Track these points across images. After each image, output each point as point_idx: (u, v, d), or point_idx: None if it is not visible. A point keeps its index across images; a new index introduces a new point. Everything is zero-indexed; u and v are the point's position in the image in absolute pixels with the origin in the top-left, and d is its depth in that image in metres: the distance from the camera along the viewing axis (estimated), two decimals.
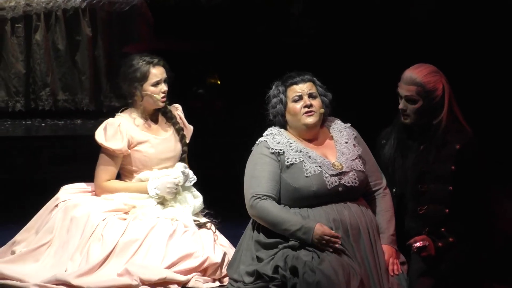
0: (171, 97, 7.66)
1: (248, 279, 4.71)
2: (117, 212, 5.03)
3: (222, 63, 8.26)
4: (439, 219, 4.76)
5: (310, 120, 4.91)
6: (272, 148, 4.87)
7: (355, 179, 4.81)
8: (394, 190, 4.92)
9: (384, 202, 4.92)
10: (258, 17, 8.13)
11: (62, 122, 8.37)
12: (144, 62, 5.12)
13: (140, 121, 5.21)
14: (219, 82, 8.42)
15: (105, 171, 5.11)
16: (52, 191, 5.32)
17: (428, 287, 4.73)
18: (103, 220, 4.92)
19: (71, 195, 5.13)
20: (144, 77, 5.11)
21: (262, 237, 4.79)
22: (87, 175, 5.33)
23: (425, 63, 4.89)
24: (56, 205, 5.09)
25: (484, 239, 4.77)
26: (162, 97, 5.14)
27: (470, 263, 4.72)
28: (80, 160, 7.41)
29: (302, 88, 4.96)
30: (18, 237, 5.14)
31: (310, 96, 4.94)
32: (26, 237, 5.11)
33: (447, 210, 4.73)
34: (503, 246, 4.95)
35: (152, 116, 5.27)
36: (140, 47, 8.33)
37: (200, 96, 8.31)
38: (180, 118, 5.42)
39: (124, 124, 5.16)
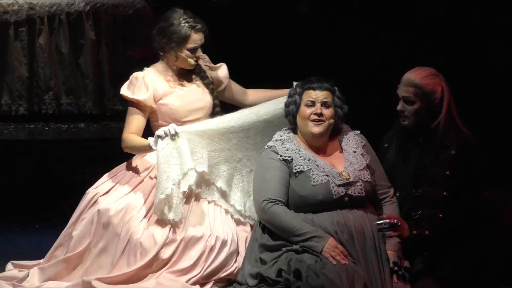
0: None
1: (252, 282, 4.73)
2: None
3: (228, 64, 8.18)
4: (434, 223, 4.77)
5: (317, 129, 4.91)
6: (281, 155, 4.90)
7: (361, 189, 4.83)
8: (397, 194, 4.95)
9: (391, 209, 4.92)
10: (263, 18, 8.12)
11: (66, 125, 8.39)
12: (186, 25, 5.00)
13: (166, 74, 5.12)
14: None
15: (130, 124, 5.03)
16: (57, 194, 5.35)
17: (428, 283, 4.75)
18: (140, 225, 4.89)
19: (106, 199, 5.01)
20: (183, 40, 5.00)
21: (266, 239, 4.81)
22: (92, 178, 5.29)
23: (424, 67, 4.93)
24: (93, 205, 5.01)
25: (483, 243, 4.80)
26: (195, 61, 5.05)
27: (472, 266, 4.74)
28: (85, 163, 7.43)
29: (318, 95, 4.94)
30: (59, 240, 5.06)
31: (324, 104, 4.92)
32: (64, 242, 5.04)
33: (441, 215, 4.75)
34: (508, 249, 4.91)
35: (180, 70, 5.15)
36: (144, 51, 8.06)
37: None
38: (209, 67, 5.30)
39: (148, 76, 5.09)
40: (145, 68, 5.17)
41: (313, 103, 4.91)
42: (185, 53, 5.02)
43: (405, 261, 4.79)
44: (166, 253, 4.83)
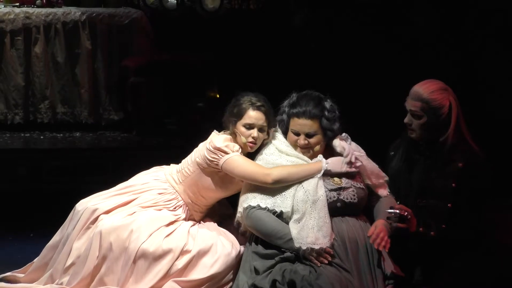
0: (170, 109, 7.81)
1: None
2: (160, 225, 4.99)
3: (221, 75, 8.26)
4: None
5: (306, 154, 4.96)
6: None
7: (354, 195, 4.83)
8: (398, 203, 4.90)
9: (388, 198, 4.95)
10: (258, 29, 8.16)
11: (61, 135, 8.34)
12: (246, 101, 5.07)
13: None
14: (218, 96, 8.43)
15: (258, 164, 4.99)
16: (52, 203, 5.34)
17: None
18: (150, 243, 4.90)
19: (107, 217, 5.01)
20: (239, 114, 5.05)
21: (260, 248, 4.81)
22: (87, 187, 5.34)
23: (435, 80, 4.90)
24: (97, 222, 5.01)
25: (482, 255, 4.79)
26: (250, 142, 5.03)
27: (471, 279, 4.73)
28: (80, 173, 7.45)
29: (303, 124, 4.92)
30: (69, 260, 5.03)
31: (307, 135, 4.92)
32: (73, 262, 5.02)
33: (443, 226, 4.74)
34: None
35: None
36: (140, 61, 8.42)
37: (200, 109, 8.34)
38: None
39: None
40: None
41: (297, 134, 4.94)
42: (240, 129, 5.05)
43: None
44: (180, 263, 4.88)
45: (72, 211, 5.12)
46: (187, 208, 5.15)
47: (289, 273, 4.57)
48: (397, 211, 4.65)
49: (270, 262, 4.72)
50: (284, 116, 5.01)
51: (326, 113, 4.94)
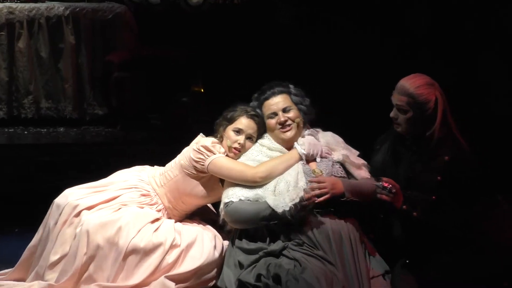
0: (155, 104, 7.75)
1: (231, 287, 4.75)
2: (148, 221, 5.01)
3: (206, 70, 8.26)
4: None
5: (287, 134, 5.03)
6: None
7: None
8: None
9: (367, 179, 4.97)
10: (242, 24, 8.15)
11: (45, 130, 8.31)
12: (242, 109, 5.15)
13: None
14: (202, 90, 8.43)
15: (245, 164, 5.04)
16: (36, 198, 5.32)
17: (410, 286, 4.77)
18: (138, 237, 4.91)
19: (92, 214, 5.02)
20: (232, 119, 5.13)
21: (244, 243, 4.84)
22: (71, 182, 5.32)
23: (421, 74, 4.90)
24: (79, 218, 4.99)
25: (470, 250, 4.82)
26: (235, 148, 5.09)
27: (457, 272, 4.77)
28: (64, 168, 7.41)
29: (275, 102, 5.05)
30: (52, 257, 5.02)
31: (284, 110, 5.03)
32: (58, 260, 5.01)
33: (434, 197, 4.78)
34: (502, 255, 4.96)
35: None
36: (124, 56, 8.40)
37: (184, 104, 8.32)
38: None
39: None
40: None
41: (274, 114, 5.03)
42: (228, 133, 5.11)
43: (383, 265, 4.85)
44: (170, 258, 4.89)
45: (51, 207, 5.12)
46: (166, 212, 5.17)
47: (274, 267, 4.58)
48: (384, 184, 4.73)
49: (255, 257, 4.74)
50: (258, 111, 5.11)
51: (292, 90, 5.09)
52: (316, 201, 4.69)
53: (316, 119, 5.26)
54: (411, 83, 4.83)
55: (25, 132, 8.25)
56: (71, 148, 7.86)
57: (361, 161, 5.10)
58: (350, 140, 5.29)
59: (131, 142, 7.98)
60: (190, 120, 7.91)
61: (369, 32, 7.59)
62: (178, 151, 5.27)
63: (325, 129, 5.32)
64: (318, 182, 4.77)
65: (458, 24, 7.30)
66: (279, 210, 4.68)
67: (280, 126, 5.05)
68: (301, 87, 5.25)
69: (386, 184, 4.73)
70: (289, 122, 5.04)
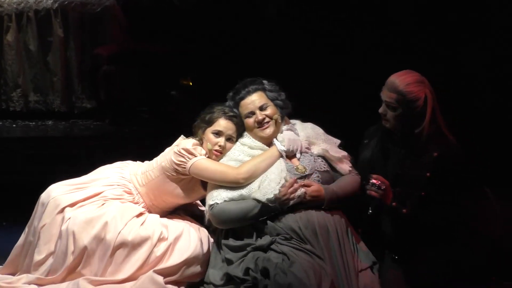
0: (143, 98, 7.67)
1: (218, 282, 4.75)
2: (133, 215, 5.02)
3: (195, 64, 8.21)
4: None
5: (266, 132, 5.03)
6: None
7: (318, 180, 4.89)
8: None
9: (350, 176, 5.00)
10: (231, 18, 8.12)
11: (33, 123, 8.29)
12: (219, 110, 5.12)
13: None
14: (191, 84, 8.39)
15: (226, 165, 5.04)
16: (24, 192, 5.32)
17: (397, 279, 4.79)
18: (125, 230, 4.92)
19: (77, 209, 5.02)
20: (210, 122, 5.10)
21: (231, 241, 4.84)
22: (59, 176, 5.31)
23: (412, 71, 4.88)
24: (63, 215, 5.00)
25: (458, 246, 4.83)
26: (216, 150, 5.08)
27: (444, 267, 4.77)
28: (52, 161, 7.44)
29: (251, 101, 5.03)
30: (36, 256, 5.01)
31: (261, 109, 5.02)
32: (44, 259, 5.01)
33: (423, 193, 4.78)
34: (490, 249, 5.01)
35: None
36: (112, 49, 8.37)
37: (173, 97, 8.30)
38: None
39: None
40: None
41: (251, 113, 5.01)
42: (208, 136, 5.09)
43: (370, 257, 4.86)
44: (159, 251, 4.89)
45: (36, 205, 5.12)
46: (148, 210, 5.17)
47: (262, 261, 4.59)
48: (373, 181, 4.75)
49: (242, 253, 4.75)
50: (235, 110, 5.10)
51: (266, 85, 5.07)
52: (291, 197, 4.74)
53: (298, 111, 5.26)
54: (401, 80, 4.81)
55: (14, 125, 8.22)
56: (60, 141, 7.83)
57: (341, 153, 5.09)
58: (338, 132, 5.29)
59: (120, 136, 7.93)
60: (179, 114, 7.87)
61: (357, 25, 7.54)
62: (165, 145, 5.26)
63: (306, 120, 5.32)
64: (307, 185, 4.80)
65: (442, 16, 7.25)
66: (270, 196, 4.70)
67: (258, 125, 5.04)
68: (289, 80, 5.27)
69: (375, 181, 4.75)
70: (266, 119, 5.03)
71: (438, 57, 7.08)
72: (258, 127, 5.04)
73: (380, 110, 4.91)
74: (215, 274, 4.80)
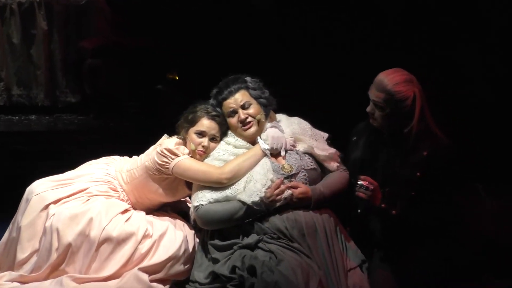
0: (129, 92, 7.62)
1: (204, 280, 4.72)
2: (119, 211, 5.00)
3: (181, 57, 8.19)
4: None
5: (251, 131, 4.99)
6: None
7: (306, 179, 4.85)
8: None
9: (337, 173, 4.96)
10: (218, 11, 8.10)
11: (16, 117, 8.27)
12: (202, 109, 5.07)
13: None
14: (177, 78, 8.37)
15: (210, 165, 5.00)
16: (7, 186, 5.37)
17: (386, 278, 4.77)
18: (110, 226, 4.89)
19: (61, 205, 4.98)
20: (193, 121, 5.06)
21: (217, 241, 4.80)
22: (42, 171, 5.28)
23: (400, 70, 4.83)
24: (47, 212, 4.96)
25: (448, 244, 4.80)
26: (200, 150, 5.04)
27: (434, 266, 4.74)
28: (36, 156, 7.37)
29: (234, 100, 4.99)
30: (19, 255, 4.97)
31: (244, 107, 4.98)
32: (27, 257, 4.97)
33: (413, 193, 4.76)
34: (482, 246, 5.04)
35: None
36: (97, 42, 8.35)
37: (159, 91, 8.26)
38: None
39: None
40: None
41: (234, 112, 4.97)
42: (191, 136, 5.05)
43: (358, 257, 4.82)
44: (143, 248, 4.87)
45: (21, 202, 5.07)
46: (133, 207, 5.14)
47: (249, 259, 4.56)
48: (360, 182, 4.72)
49: (229, 252, 4.72)
50: (218, 109, 5.05)
51: (249, 83, 5.03)
52: (277, 199, 4.72)
53: (285, 105, 5.23)
54: (390, 80, 4.76)
55: None
56: (43, 136, 7.81)
57: (329, 150, 5.05)
58: (325, 127, 5.26)
59: (105, 130, 7.94)
60: (165, 108, 7.87)
61: (347, 19, 7.54)
62: (151, 140, 5.24)
63: (293, 114, 5.28)
64: (294, 186, 4.77)
65: (433, 12, 7.26)
66: (255, 198, 4.68)
67: (241, 124, 5.00)
68: (275, 75, 5.28)
69: (363, 182, 4.72)
70: (250, 119, 4.99)
71: (428, 54, 7.09)
72: (241, 127, 5.00)
73: (368, 109, 4.86)
74: (200, 273, 4.76)
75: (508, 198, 5.81)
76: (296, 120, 5.17)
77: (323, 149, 5.01)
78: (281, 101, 5.20)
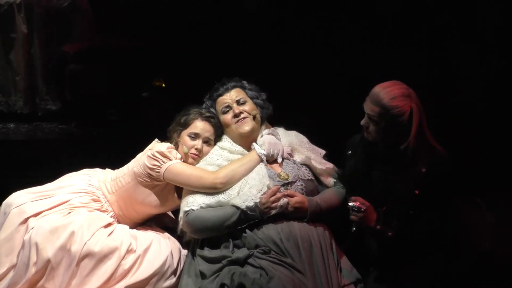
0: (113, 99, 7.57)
1: None
2: (101, 225, 4.90)
3: (168, 63, 8.13)
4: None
5: (245, 128, 4.97)
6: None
7: (302, 189, 4.81)
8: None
9: (333, 189, 4.94)
10: (206, 12, 8.03)
11: None
12: (196, 111, 5.08)
13: None
14: (164, 85, 8.28)
15: (203, 169, 4.96)
16: None
17: None
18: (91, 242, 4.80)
19: (41, 219, 4.88)
20: (186, 124, 5.05)
21: (206, 252, 4.75)
22: (21, 181, 5.23)
23: (398, 83, 4.74)
24: (26, 225, 4.86)
25: (444, 259, 4.75)
26: (193, 153, 5.02)
27: (431, 282, 4.68)
28: (14, 166, 7.15)
29: (229, 96, 5.02)
30: None
31: (238, 103, 5.00)
32: (4, 273, 4.86)
33: (411, 212, 4.68)
34: (480, 261, 5.06)
35: None
36: (80, 46, 8.24)
37: (144, 99, 8.19)
38: None
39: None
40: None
41: (228, 107, 4.99)
42: (184, 139, 5.04)
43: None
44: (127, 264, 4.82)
45: None
46: (117, 220, 5.09)
47: (238, 276, 4.51)
48: (350, 203, 4.71)
49: (218, 266, 4.67)
50: (212, 110, 5.07)
51: (245, 84, 5.09)
52: (272, 206, 4.68)
53: (279, 117, 5.23)
54: (386, 94, 4.68)
55: None
56: (22, 145, 7.69)
57: (326, 164, 5.04)
58: (322, 141, 5.25)
59: (87, 140, 7.82)
60: (151, 116, 7.75)
61: (341, 21, 7.51)
62: (136, 150, 5.18)
63: (289, 128, 5.26)
64: (290, 195, 4.74)
65: (428, 13, 7.24)
66: (250, 203, 4.65)
67: (236, 119, 4.99)
68: (268, 81, 5.21)
69: (354, 203, 4.72)
70: (244, 114, 4.98)
71: (425, 56, 7.07)
72: (235, 122, 4.99)
73: (362, 122, 4.80)
74: None
75: (506, 208, 5.77)
76: (293, 132, 5.18)
77: (321, 163, 5.01)
78: (275, 107, 5.20)
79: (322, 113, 6.90)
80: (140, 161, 4.97)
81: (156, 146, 5.00)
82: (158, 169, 4.89)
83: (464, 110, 6.87)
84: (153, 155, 4.90)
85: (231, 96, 5.03)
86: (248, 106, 5.02)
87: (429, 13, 7.12)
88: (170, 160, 4.90)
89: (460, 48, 7.00)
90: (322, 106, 7.03)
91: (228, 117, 5.01)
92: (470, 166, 5.98)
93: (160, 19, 8.16)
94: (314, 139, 5.25)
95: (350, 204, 4.72)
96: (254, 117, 5.00)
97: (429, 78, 6.83)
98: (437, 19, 7.09)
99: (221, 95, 5.06)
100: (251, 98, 5.07)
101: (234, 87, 5.08)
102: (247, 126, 4.99)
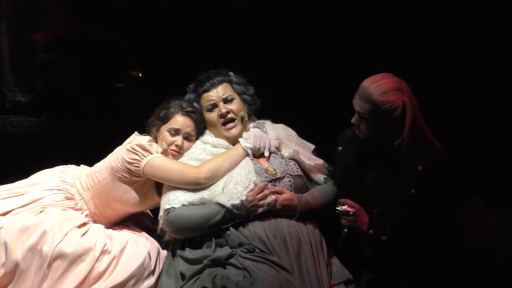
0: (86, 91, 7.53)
1: None
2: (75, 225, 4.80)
3: (144, 53, 7.90)
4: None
5: (232, 132, 4.91)
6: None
7: (291, 185, 4.77)
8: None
9: (324, 186, 4.89)
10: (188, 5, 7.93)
11: None
12: (176, 105, 5.00)
13: None
14: (140, 75, 8.07)
15: (185, 164, 4.88)
16: None
17: None
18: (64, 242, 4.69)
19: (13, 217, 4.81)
20: (165, 118, 4.98)
21: (187, 253, 4.69)
22: None
23: (388, 75, 4.61)
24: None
25: (443, 260, 4.67)
26: (172, 150, 4.95)
27: (429, 283, 4.60)
28: None
29: (215, 93, 4.93)
30: None
31: (226, 101, 4.92)
32: None
33: (408, 212, 4.59)
34: (479, 262, 5.04)
35: None
36: (51, 35, 8.04)
37: (120, 90, 7.98)
38: None
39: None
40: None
41: (214, 105, 4.93)
42: (163, 134, 4.96)
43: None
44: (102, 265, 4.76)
45: None
46: (92, 219, 5.02)
47: (220, 279, 4.43)
48: (339, 207, 4.65)
49: (198, 267, 4.60)
50: (196, 105, 4.98)
51: (232, 78, 5.00)
52: (259, 203, 4.60)
53: (266, 110, 5.17)
54: (375, 88, 4.54)
55: None
56: None
57: (316, 160, 5.00)
58: (309, 134, 5.18)
59: (59, 134, 7.65)
60: (127, 109, 7.63)
61: (333, 15, 7.40)
62: (113, 145, 5.11)
63: (277, 121, 5.21)
64: (279, 192, 4.68)
65: (427, 13, 7.19)
66: (236, 201, 4.57)
67: (222, 120, 4.92)
68: (254, 75, 5.13)
69: (343, 207, 4.66)
70: (231, 115, 4.91)
71: (426, 58, 6.97)
72: (222, 125, 4.92)
73: (353, 120, 4.71)
74: None
75: (506, 208, 5.74)
76: (281, 125, 5.13)
77: (310, 158, 4.96)
78: (263, 102, 5.14)
79: (312, 106, 6.82)
80: (119, 155, 4.90)
81: (136, 139, 4.94)
82: (138, 163, 4.81)
83: (464, 110, 6.86)
84: (133, 149, 4.83)
85: (218, 93, 4.94)
86: (235, 105, 4.94)
87: (429, 13, 7.07)
88: (151, 153, 4.84)
89: (460, 48, 6.97)
90: (312, 99, 6.96)
91: (213, 116, 4.94)
92: (470, 165, 5.99)
93: (137, 8, 8.01)
94: (303, 133, 5.18)
95: (338, 208, 4.65)
96: (242, 119, 4.94)
97: (429, 78, 6.74)
98: (437, 19, 7.05)
99: (206, 90, 4.96)
100: (239, 94, 4.99)
101: (221, 82, 4.98)
102: (234, 130, 4.94)
